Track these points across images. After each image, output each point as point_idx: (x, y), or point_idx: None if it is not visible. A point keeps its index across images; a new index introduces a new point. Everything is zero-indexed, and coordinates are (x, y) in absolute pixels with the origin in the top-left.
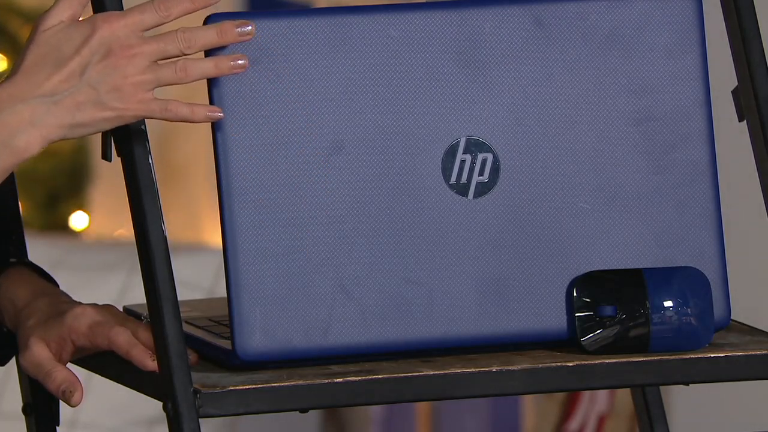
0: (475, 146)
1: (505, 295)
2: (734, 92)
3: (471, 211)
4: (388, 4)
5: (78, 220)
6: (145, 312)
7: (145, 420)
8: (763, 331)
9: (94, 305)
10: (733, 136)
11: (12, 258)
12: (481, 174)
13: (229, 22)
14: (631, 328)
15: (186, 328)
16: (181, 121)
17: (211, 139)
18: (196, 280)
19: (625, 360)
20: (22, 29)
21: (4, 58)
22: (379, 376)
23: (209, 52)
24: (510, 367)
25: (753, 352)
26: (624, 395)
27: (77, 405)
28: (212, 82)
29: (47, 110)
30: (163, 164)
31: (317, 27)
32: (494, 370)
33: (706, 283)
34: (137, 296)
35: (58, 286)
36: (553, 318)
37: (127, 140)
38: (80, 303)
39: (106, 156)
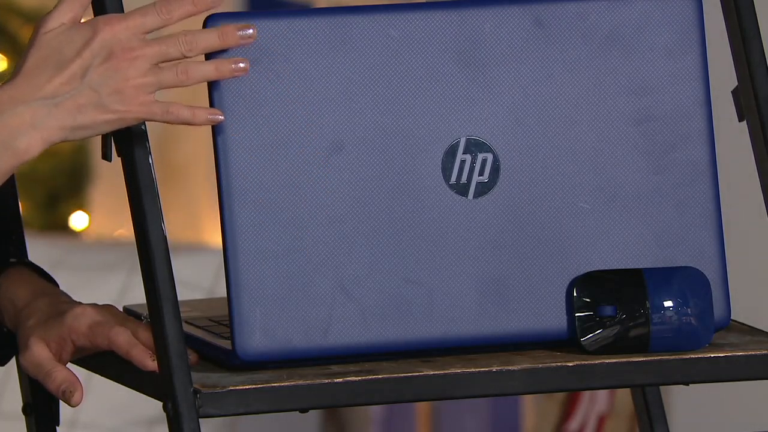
0: (475, 146)
1: (505, 295)
2: (734, 92)
3: (471, 211)
4: (388, 4)
5: (78, 220)
6: (145, 312)
7: (145, 420)
8: (763, 331)
9: (94, 305)
10: (733, 136)
11: (12, 258)
12: (481, 174)
13: (231, 26)
14: (631, 328)
15: (186, 328)
16: (182, 124)
17: (211, 139)
18: (196, 280)
19: (625, 360)
20: (22, 29)
21: (4, 58)
22: (379, 376)
23: (210, 55)
24: (510, 367)
25: (753, 352)
26: (624, 395)
27: (77, 405)
28: (212, 83)
29: (48, 112)
30: (163, 164)
31: (317, 27)
32: (494, 370)
33: (706, 283)
34: (137, 296)
35: (58, 286)
36: (553, 318)
37: (128, 140)
38: (80, 303)
39: (106, 156)
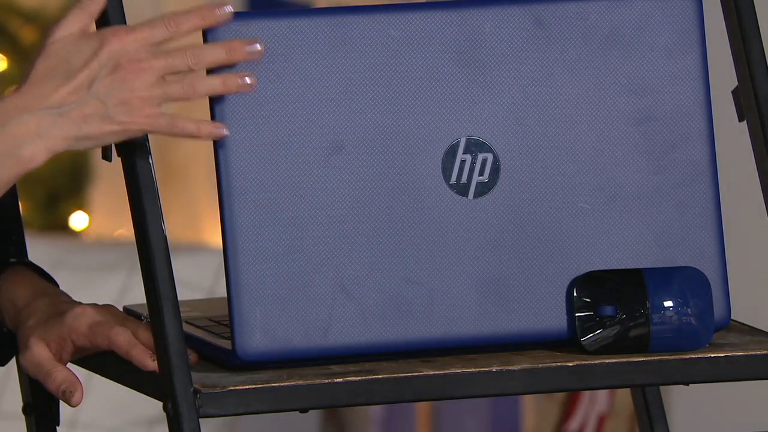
0: (475, 146)
1: (505, 295)
2: (734, 92)
3: (471, 211)
4: (388, 4)
5: (78, 220)
6: (145, 312)
7: (145, 420)
8: (763, 331)
9: (94, 305)
10: (733, 136)
11: (12, 258)
12: (481, 174)
13: (238, 41)
14: (631, 328)
15: (186, 328)
16: (187, 137)
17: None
18: (196, 280)
19: (625, 360)
20: (22, 29)
21: (4, 58)
22: (379, 376)
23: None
24: (510, 367)
25: (753, 352)
26: (624, 395)
27: (77, 405)
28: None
29: (54, 122)
30: (163, 164)
31: (317, 27)
32: (494, 370)
33: (706, 283)
34: (137, 296)
35: (58, 286)
36: (553, 318)
37: (128, 141)
38: (80, 303)
39: (106, 156)
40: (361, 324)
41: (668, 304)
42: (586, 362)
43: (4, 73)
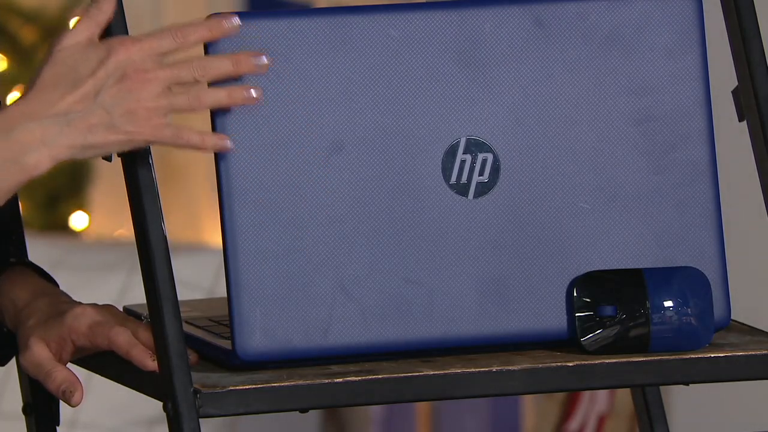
0: (475, 146)
1: (505, 295)
2: (734, 92)
3: (471, 211)
4: (388, 4)
5: (78, 220)
6: (145, 312)
7: (145, 420)
8: (763, 331)
9: (94, 305)
10: (733, 136)
11: (12, 258)
12: (481, 174)
13: (245, 53)
14: (631, 328)
15: (186, 328)
16: (191, 149)
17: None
18: (196, 280)
19: (625, 360)
20: (22, 29)
21: (4, 58)
22: (379, 376)
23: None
24: (510, 367)
25: (753, 352)
26: (624, 395)
27: (77, 405)
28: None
29: (59, 130)
30: (163, 164)
31: (317, 27)
32: (494, 370)
33: (706, 283)
34: (137, 296)
35: (58, 286)
36: (553, 318)
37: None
38: (80, 303)
39: (106, 156)
40: (361, 324)
41: (668, 304)
42: (586, 362)
43: (4, 73)
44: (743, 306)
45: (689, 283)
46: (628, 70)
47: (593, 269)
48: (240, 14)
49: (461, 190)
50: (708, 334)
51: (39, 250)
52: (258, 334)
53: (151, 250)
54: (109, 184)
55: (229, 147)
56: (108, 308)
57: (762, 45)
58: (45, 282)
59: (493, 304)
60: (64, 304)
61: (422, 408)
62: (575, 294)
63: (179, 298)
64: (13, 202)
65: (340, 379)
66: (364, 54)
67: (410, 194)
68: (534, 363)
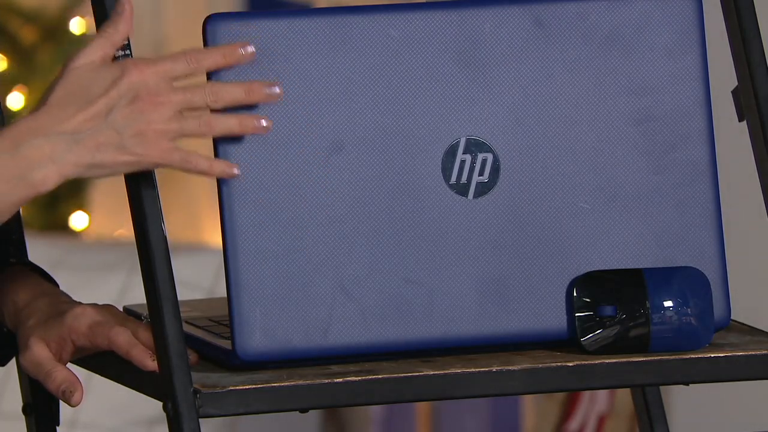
0: (475, 146)
1: (505, 295)
2: (734, 92)
3: (471, 211)
4: (388, 4)
5: (78, 220)
6: (145, 312)
7: (145, 420)
8: (763, 331)
9: (94, 305)
10: (733, 136)
11: (12, 258)
12: (481, 174)
13: (258, 82)
14: (631, 328)
15: (186, 328)
16: (198, 174)
17: (211, 139)
18: (196, 280)
19: (625, 360)
20: (22, 29)
21: (4, 58)
22: (379, 376)
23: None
24: (510, 367)
25: (753, 352)
26: (624, 395)
27: (77, 405)
28: (213, 76)
29: (68, 148)
30: None
31: (317, 27)
32: (494, 370)
33: (706, 283)
34: (137, 296)
35: (58, 286)
36: (553, 318)
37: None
38: (80, 303)
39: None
40: (361, 324)
41: (668, 304)
42: (586, 362)
43: (4, 73)
44: (743, 306)
45: (689, 283)
46: (628, 70)
47: (593, 269)
48: (240, 14)
49: (461, 190)
50: (708, 334)
51: (39, 250)
52: (258, 334)
53: (151, 250)
54: (109, 184)
55: (236, 175)
56: (108, 308)
57: (762, 45)
58: (45, 282)
59: (493, 304)
60: (64, 304)
61: (422, 408)
62: (575, 294)
63: (179, 298)
64: None
65: (340, 379)
66: (364, 54)
67: (410, 194)
68: (534, 363)
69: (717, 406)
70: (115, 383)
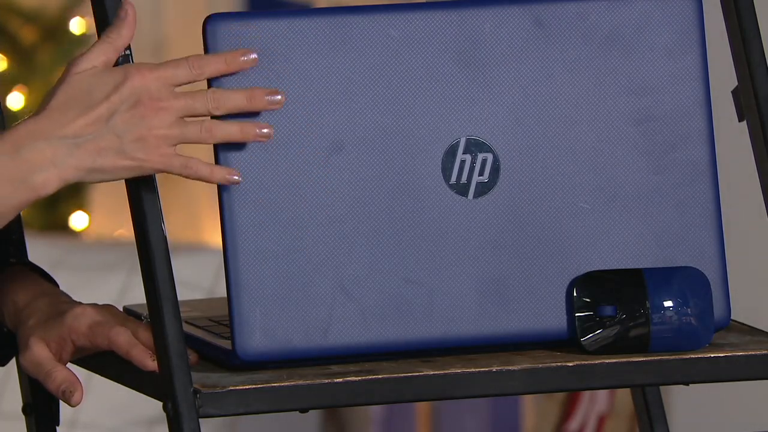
0: (475, 146)
1: (505, 295)
2: (734, 92)
3: (471, 211)
4: (388, 4)
5: (78, 220)
6: (145, 312)
7: (145, 420)
8: (763, 331)
9: (94, 305)
10: (733, 136)
11: (12, 258)
12: (481, 174)
13: (260, 90)
14: (631, 328)
15: (186, 328)
16: (199, 180)
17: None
18: (196, 280)
19: (625, 360)
20: (22, 29)
21: (4, 58)
22: (379, 376)
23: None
24: (510, 367)
25: (753, 352)
26: (624, 395)
27: (77, 405)
28: (212, 80)
29: (69, 152)
30: None
31: (317, 27)
32: (494, 370)
33: (706, 283)
34: (137, 296)
35: (58, 286)
36: (553, 318)
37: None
38: (80, 303)
39: None
40: (361, 324)
41: (668, 304)
42: (586, 362)
43: (4, 73)
44: (743, 306)
45: (689, 283)
46: (628, 70)
47: (593, 269)
48: (240, 14)
49: (461, 190)
50: (708, 334)
51: (39, 250)
52: (258, 334)
53: (151, 250)
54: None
55: (237, 181)
56: (108, 308)
57: (762, 45)
58: (45, 282)
59: (493, 304)
60: (64, 304)
61: (422, 408)
62: (575, 294)
63: (179, 298)
64: None
65: (340, 379)
66: (364, 54)
67: (410, 194)
68: (534, 363)
69: (717, 406)
70: (115, 383)
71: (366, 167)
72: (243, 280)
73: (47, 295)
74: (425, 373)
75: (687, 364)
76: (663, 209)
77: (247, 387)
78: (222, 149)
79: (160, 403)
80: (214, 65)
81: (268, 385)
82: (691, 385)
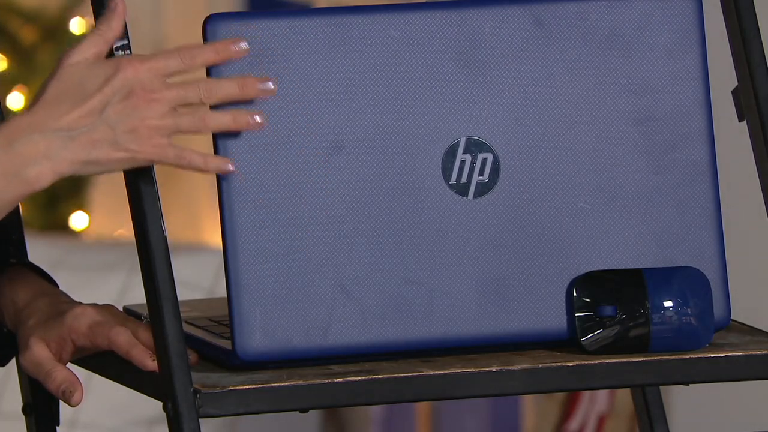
0: (475, 146)
1: (505, 295)
2: (734, 92)
3: (471, 211)
4: (388, 4)
5: (78, 220)
6: (145, 312)
7: (145, 420)
8: (763, 331)
9: (94, 305)
10: (733, 136)
11: (12, 258)
12: (481, 174)
13: (252, 78)
14: (631, 328)
15: (186, 328)
16: (193, 170)
17: (211, 139)
18: (196, 280)
19: (625, 360)
20: (22, 29)
21: (4, 58)
22: (379, 376)
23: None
24: (510, 367)
25: (753, 352)
26: (624, 395)
27: (77, 405)
28: (212, 74)
29: (63, 145)
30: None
31: (317, 27)
32: (494, 370)
33: (706, 283)
34: (137, 296)
35: (58, 286)
36: (553, 318)
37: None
38: (80, 303)
39: None
40: (361, 324)
41: (668, 304)
42: (586, 362)
43: (4, 73)
44: (743, 306)
45: (689, 283)
46: (628, 70)
47: (593, 269)
48: (240, 14)
49: (461, 190)
50: (708, 334)
51: (39, 250)
52: (258, 334)
53: (151, 250)
54: (109, 184)
55: (231, 170)
56: (108, 308)
57: (762, 45)
58: (45, 282)
59: (493, 304)
60: (64, 304)
61: (422, 408)
62: (575, 294)
63: (179, 298)
64: None
65: (340, 379)
66: (364, 54)
67: (410, 194)
68: (534, 363)
69: (717, 406)
70: (115, 383)
71: (366, 167)
72: (243, 280)
73: (47, 295)
74: (425, 373)
75: (687, 364)
76: (663, 209)
77: (247, 387)
78: (222, 149)
79: (160, 403)
80: (205, 55)
81: (268, 385)
82: (691, 385)
